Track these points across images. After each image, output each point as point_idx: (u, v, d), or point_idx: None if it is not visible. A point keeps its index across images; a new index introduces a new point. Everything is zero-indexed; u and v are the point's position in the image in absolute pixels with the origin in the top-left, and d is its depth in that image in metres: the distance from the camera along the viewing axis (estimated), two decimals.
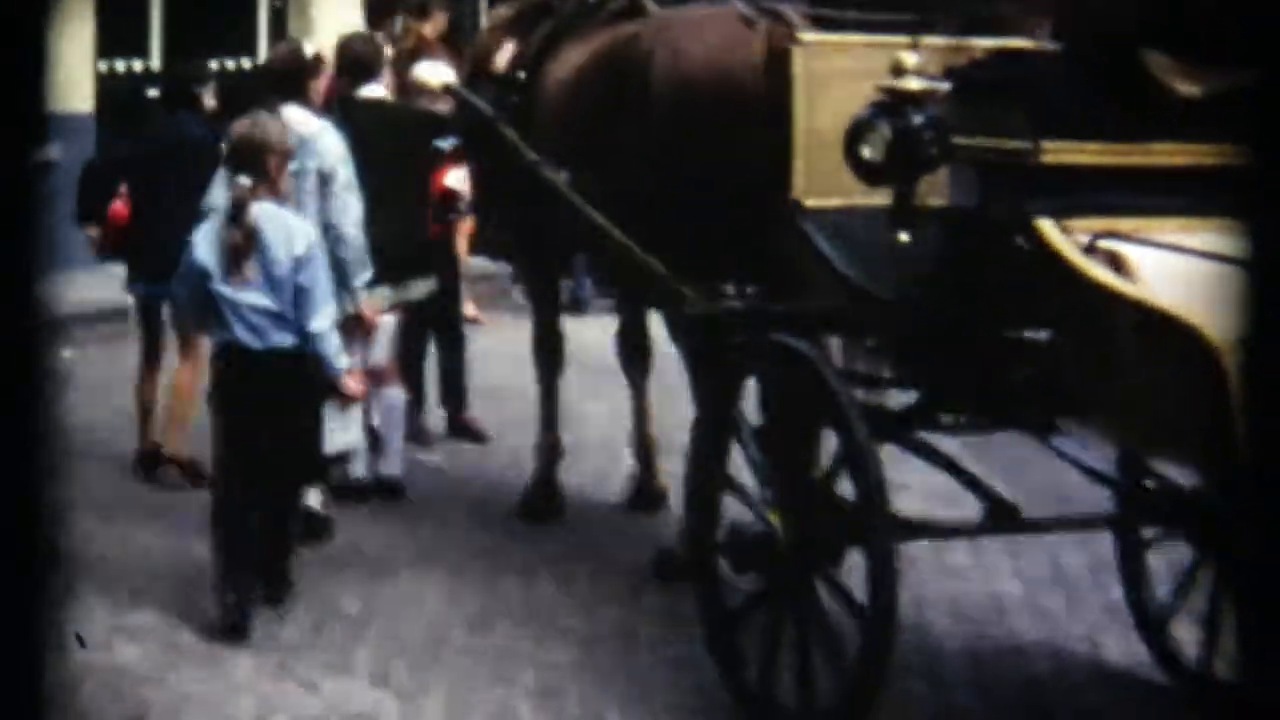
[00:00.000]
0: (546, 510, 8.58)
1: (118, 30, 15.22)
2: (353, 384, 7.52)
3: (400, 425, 8.94)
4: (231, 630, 6.94)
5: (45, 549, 0.94)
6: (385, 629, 7.07)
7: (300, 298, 7.14)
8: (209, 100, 9.46)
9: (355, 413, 8.15)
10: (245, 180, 7.13)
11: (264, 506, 7.24)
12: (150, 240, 8.98)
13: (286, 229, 7.19)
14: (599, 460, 9.50)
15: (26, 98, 0.92)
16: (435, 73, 8.94)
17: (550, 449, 8.68)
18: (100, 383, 10.28)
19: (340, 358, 7.32)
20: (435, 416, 10.10)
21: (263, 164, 7.17)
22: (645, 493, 8.66)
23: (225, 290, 7.15)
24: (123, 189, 9.35)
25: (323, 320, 7.19)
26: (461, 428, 10.11)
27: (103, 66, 15.27)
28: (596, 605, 7.34)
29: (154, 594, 7.42)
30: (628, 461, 8.82)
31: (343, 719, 6.24)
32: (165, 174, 9.01)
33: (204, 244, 7.23)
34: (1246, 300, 1.06)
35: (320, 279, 7.22)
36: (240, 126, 7.33)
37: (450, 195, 9.63)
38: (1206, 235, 4.78)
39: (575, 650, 6.83)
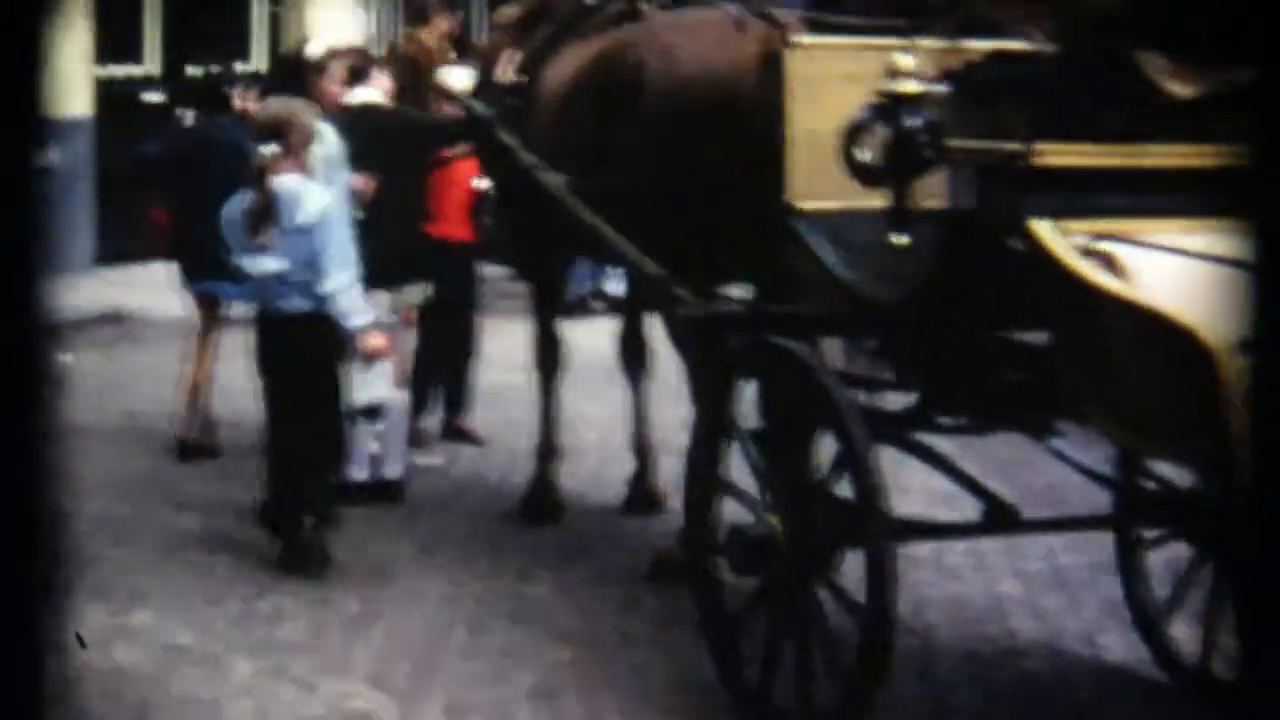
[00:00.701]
0: (545, 512, 8.60)
1: (114, 35, 15.25)
2: (373, 340, 7.91)
3: (402, 427, 8.95)
4: (295, 558, 7.72)
5: (46, 552, 0.95)
6: (384, 630, 7.07)
7: (313, 262, 7.58)
8: (239, 103, 9.60)
9: (382, 367, 8.33)
10: (268, 150, 7.61)
11: (303, 456, 7.85)
12: (202, 240, 9.06)
13: (301, 198, 7.62)
14: (598, 462, 9.51)
15: (25, 102, 0.93)
16: (456, 78, 8.98)
17: (549, 451, 8.70)
18: (97, 386, 10.30)
19: (357, 316, 7.73)
20: (432, 419, 10.11)
21: (285, 136, 7.65)
22: (643, 495, 8.67)
23: (247, 259, 7.70)
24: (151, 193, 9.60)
25: (337, 282, 7.60)
26: (457, 433, 10.12)
27: (100, 71, 15.28)
28: (595, 607, 7.35)
29: (152, 595, 7.43)
30: (626, 464, 8.83)
31: None
32: (211, 176, 9.09)
33: (233, 216, 7.75)
34: (1246, 301, 1.07)
35: (332, 244, 7.63)
36: (268, 104, 8.03)
37: (480, 197, 9.66)
38: (1203, 236, 4.79)
39: (573, 651, 6.84)
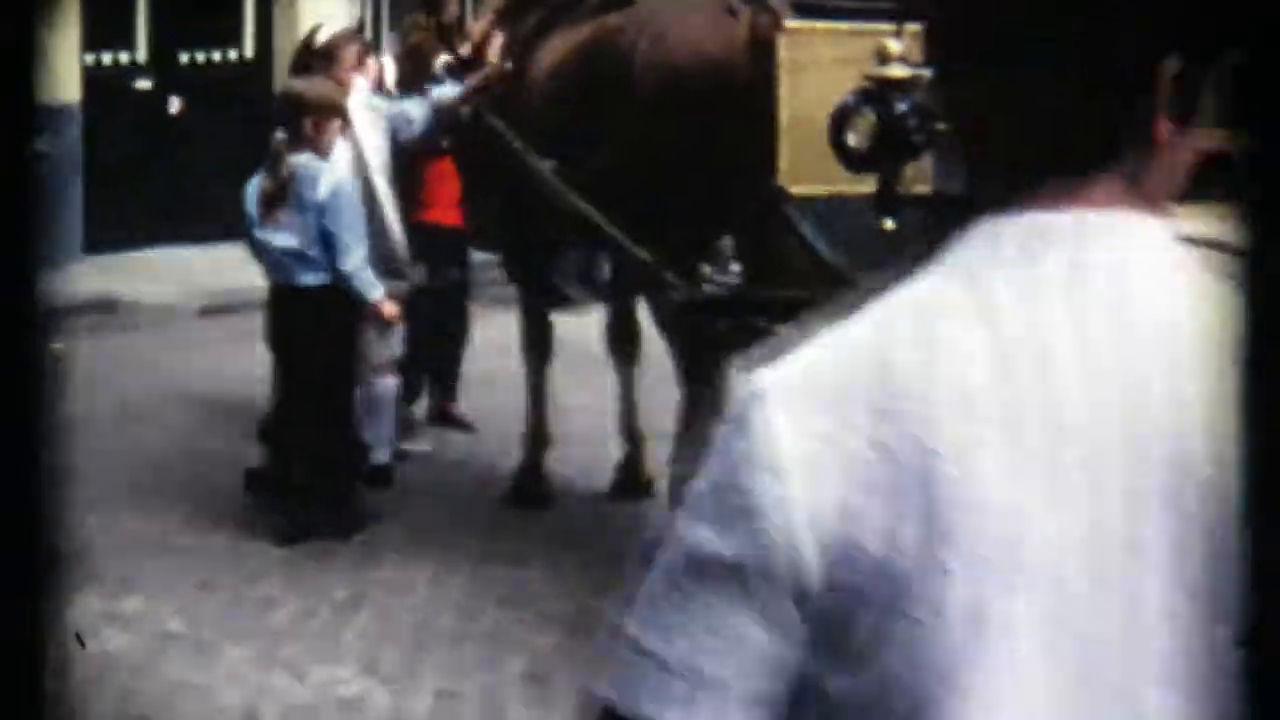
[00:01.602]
0: (534, 498, 8.59)
1: (104, 22, 15.18)
2: (389, 308, 8.23)
3: (390, 414, 8.93)
4: (290, 540, 7.82)
5: (45, 545, 0.94)
6: (374, 615, 7.08)
7: (328, 240, 7.86)
8: None
9: (393, 332, 8.65)
10: (282, 134, 7.91)
11: (314, 431, 8.00)
12: None
13: (314, 178, 7.87)
14: (587, 448, 9.50)
15: (18, 89, 0.92)
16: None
17: (538, 437, 8.69)
18: (89, 375, 10.27)
19: (373, 290, 8.05)
20: (420, 405, 10.09)
21: (298, 120, 7.90)
22: (632, 480, 8.66)
23: (262, 234, 7.97)
24: None
25: (352, 260, 7.91)
26: (447, 417, 10.10)
27: (89, 58, 15.22)
28: (584, 592, 7.35)
29: (143, 582, 7.43)
30: (615, 449, 8.82)
31: (332, 706, 6.24)
32: None
33: (250, 194, 8.04)
34: (1244, 287, 1.07)
35: (345, 222, 7.89)
36: (286, 87, 8.35)
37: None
38: (1199, 220, 4.79)
39: (563, 636, 6.84)
